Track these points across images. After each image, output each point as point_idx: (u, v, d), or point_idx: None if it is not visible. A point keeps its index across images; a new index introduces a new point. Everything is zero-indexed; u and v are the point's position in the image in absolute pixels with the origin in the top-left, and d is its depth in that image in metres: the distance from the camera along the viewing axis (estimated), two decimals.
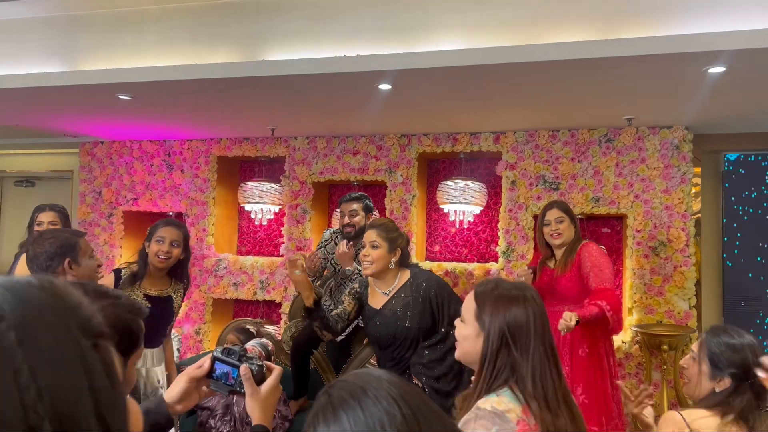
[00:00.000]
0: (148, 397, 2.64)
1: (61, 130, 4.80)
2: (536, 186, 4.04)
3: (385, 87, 3.15)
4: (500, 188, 4.18)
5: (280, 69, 3.03)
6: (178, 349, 3.57)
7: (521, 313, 1.32)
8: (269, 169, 4.75)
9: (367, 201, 3.60)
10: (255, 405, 1.22)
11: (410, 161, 4.29)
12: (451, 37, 2.87)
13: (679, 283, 3.75)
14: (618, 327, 2.90)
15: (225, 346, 1.34)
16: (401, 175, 4.29)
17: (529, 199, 4.04)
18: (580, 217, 3.75)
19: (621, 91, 3.16)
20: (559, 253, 3.15)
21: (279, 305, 4.53)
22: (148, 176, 4.90)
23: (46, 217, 3.16)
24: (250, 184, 4.46)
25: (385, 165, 4.32)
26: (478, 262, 4.30)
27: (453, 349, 1.48)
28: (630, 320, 3.80)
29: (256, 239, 4.94)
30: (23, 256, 3.07)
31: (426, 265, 4.22)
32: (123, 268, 2.77)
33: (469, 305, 1.39)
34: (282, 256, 4.55)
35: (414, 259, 4.20)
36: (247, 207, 4.53)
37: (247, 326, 3.77)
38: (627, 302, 3.86)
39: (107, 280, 2.73)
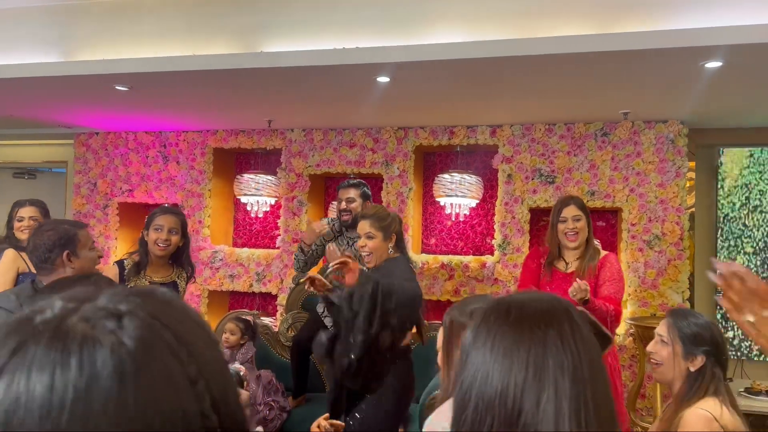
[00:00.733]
0: None
1: (56, 121, 4.77)
2: (532, 179, 4.06)
3: (383, 79, 3.15)
4: (496, 181, 4.20)
5: (278, 60, 3.03)
6: None
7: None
8: (265, 161, 4.75)
9: (365, 188, 3.59)
10: None
11: (407, 154, 4.29)
12: (449, 30, 2.88)
13: (673, 277, 3.78)
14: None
15: None
16: (398, 168, 4.30)
17: (525, 193, 4.06)
18: None
19: (617, 85, 3.17)
20: (569, 255, 2.95)
21: (275, 297, 4.54)
22: (144, 168, 4.89)
23: (26, 212, 3.17)
24: (246, 176, 4.46)
25: (381, 158, 4.33)
26: (473, 254, 4.32)
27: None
28: (624, 313, 3.83)
29: (252, 231, 4.95)
30: (6, 252, 3.06)
31: (422, 257, 4.24)
32: (125, 259, 2.80)
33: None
34: (278, 248, 4.56)
35: (409, 252, 4.21)
36: (243, 199, 4.53)
37: (244, 316, 3.79)
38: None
39: (111, 272, 2.75)
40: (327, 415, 1.81)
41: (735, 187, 4.01)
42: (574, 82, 3.15)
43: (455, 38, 2.85)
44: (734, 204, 4.01)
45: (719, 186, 4.05)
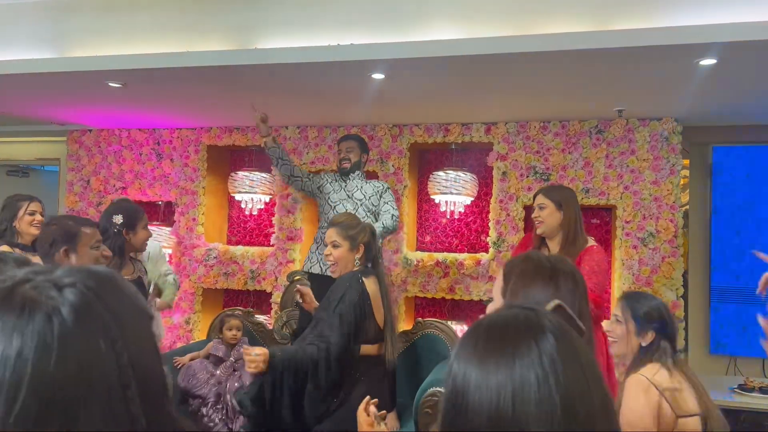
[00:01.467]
0: None
1: (49, 118, 4.74)
2: (527, 177, 4.06)
3: (377, 76, 3.14)
4: (491, 179, 4.20)
5: (272, 57, 3.02)
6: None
7: (542, 291, 1.24)
8: (260, 158, 4.72)
9: (363, 141, 3.85)
10: None
11: (402, 151, 4.29)
12: (444, 27, 2.87)
13: (666, 274, 3.79)
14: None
15: None
16: (393, 166, 4.29)
17: (520, 190, 4.06)
18: None
19: (612, 82, 3.18)
20: (552, 244, 2.97)
21: (270, 295, 4.52)
22: (137, 165, 4.87)
23: (37, 207, 3.17)
24: (240, 173, 4.45)
25: (376, 155, 4.32)
26: (468, 252, 4.32)
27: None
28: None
29: (246, 229, 4.93)
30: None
31: (417, 255, 4.23)
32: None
33: (498, 281, 1.32)
34: (273, 246, 4.54)
35: (404, 250, 4.21)
36: (238, 197, 4.51)
37: (238, 311, 3.80)
38: (615, 292, 3.90)
39: None
40: (375, 400, 1.72)
41: None
42: (568, 80, 3.15)
43: (450, 35, 2.84)
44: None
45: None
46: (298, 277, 4.14)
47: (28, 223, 3.13)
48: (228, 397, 3.19)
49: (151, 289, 3.05)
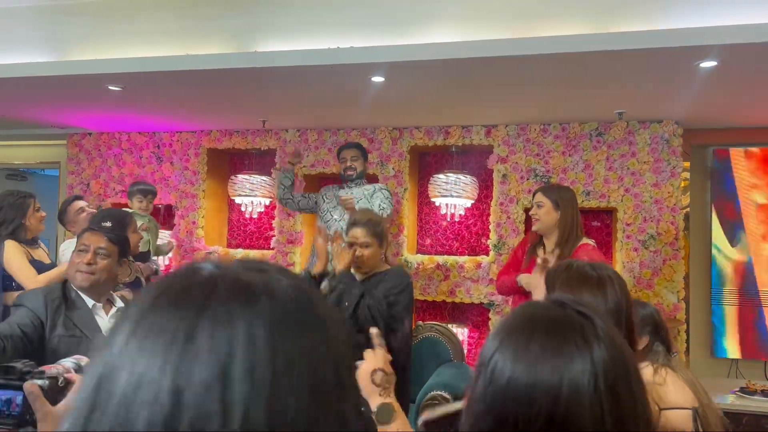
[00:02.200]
0: None
1: (49, 121, 4.74)
2: (527, 179, 4.05)
3: (377, 79, 3.14)
4: (491, 181, 4.19)
5: (272, 60, 3.01)
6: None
7: (590, 298, 1.21)
8: (260, 161, 4.72)
9: (364, 149, 3.92)
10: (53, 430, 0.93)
11: (402, 154, 4.28)
12: (443, 30, 2.87)
13: (668, 276, 3.79)
14: None
15: (2, 364, 1.03)
16: (393, 168, 4.29)
17: (520, 193, 4.05)
18: None
19: (612, 85, 3.17)
20: (548, 243, 3.00)
21: None
22: (138, 168, 4.86)
23: (83, 203, 3.50)
24: (240, 176, 4.44)
25: (376, 158, 4.32)
26: (469, 255, 4.31)
27: None
28: None
29: (246, 232, 4.92)
30: (6, 243, 3.04)
31: (417, 258, 4.23)
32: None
33: (540, 288, 1.31)
34: (273, 249, 4.54)
35: (405, 253, 4.21)
36: (238, 200, 4.51)
37: None
38: None
39: None
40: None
41: None
42: (568, 83, 3.15)
43: (450, 38, 2.84)
44: None
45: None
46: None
47: (38, 220, 3.17)
48: None
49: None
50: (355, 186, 3.79)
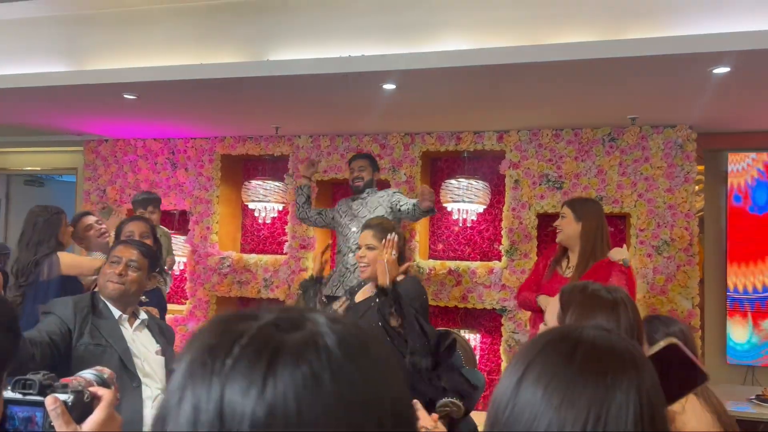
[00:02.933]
0: None
1: (66, 129, 4.81)
2: (539, 185, 4.04)
3: (389, 87, 3.15)
4: (503, 187, 4.19)
5: (284, 69, 3.04)
6: None
7: (605, 321, 1.20)
8: (273, 167, 4.76)
9: (374, 160, 3.94)
10: None
11: (414, 160, 4.29)
12: (455, 38, 2.88)
13: (682, 282, 3.76)
14: None
15: (20, 377, 0.92)
16: (405, 174, 4.30)
17: (533, 198, 4.04)
18: None
19: (625, 91, 3.16)
20: (572, 256, 2.94)
21: (283, 303, 4.54)
22: (153, 174, 4.92)
23: (91, 218, 3.48)
24: (254, 182, 4.48)
25: (388, 164, 4.33)
26: (481, 260, 4.31)
27: None
28: None
29: (259, 237, 4.96)
30: (58, 254, 3.06)
31: (429, 263, 4.23)
32: None
33: (553, 307, 1.29)
34: (286, 254, 4.57)
35: (417, 258, 4.21)
36: (251, 205, 4.54)
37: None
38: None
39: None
40: (435, 416, 1.66)
41: None
42: (581, 89, 3.14)
43: (461, 45, 2.85)
44: None
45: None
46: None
47: (69, 235, 3.21)
48: None
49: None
50: (368, 195, 3.81)
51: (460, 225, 4.31)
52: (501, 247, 4.14)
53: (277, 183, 4.47)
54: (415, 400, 1.41)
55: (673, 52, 2.54)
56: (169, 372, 2.25)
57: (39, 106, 4.02)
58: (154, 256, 2.38)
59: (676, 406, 1.78)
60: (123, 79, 3.29)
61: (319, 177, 4.49)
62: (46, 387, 0.88)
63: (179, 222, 4.93)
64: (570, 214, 2.94)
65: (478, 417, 2.27)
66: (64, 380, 0.96)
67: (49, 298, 2.73)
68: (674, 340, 1.06)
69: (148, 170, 4.93)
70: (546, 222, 4.18)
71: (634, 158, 3.90)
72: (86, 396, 0.91)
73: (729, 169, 3.97)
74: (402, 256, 2.67)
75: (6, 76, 3.50)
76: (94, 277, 2.96)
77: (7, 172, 5.79)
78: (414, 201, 3.59)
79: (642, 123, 3.84)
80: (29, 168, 5.78)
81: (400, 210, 3.66)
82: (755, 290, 3.89)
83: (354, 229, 3.73)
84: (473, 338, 4.14)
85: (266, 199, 4.44)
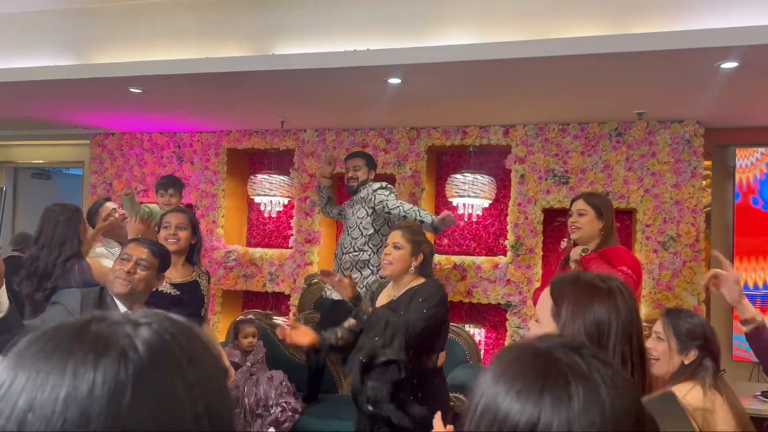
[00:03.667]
0: None
1: (72, 122, 4.83)
2: (545, 180, 4.03)
3: (394, 81, 3.15)
4: (509, 182, 4.17)
5: (289, 63, 3.04)
6: None
7: (603, 310, 1.17)
8: (278, 161, 4.76)
9: (370, 158, 3.89)
10: None
11: (419, 154, 4.29)
12: (460, 32, 2.86)
13: (688, 278, 3.74)
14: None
15: None
16: (410, 168, 4.29)
17: (539, 193, 4.03)
18: None
19: (632, 85, 3.14)
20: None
21: (288, 297, 4.56)
22: (159, 168, 4.93)
23: (112, 204, 3.48)
24: (259, 176, 4.48)
25: (394, 158, 4.33)
26: (486, 255, 4.31)
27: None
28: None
29: (265, 231, 4.97)
30: (90, 262, 3.03)
31: (434, 258, 4.22)
32: None
33: (544, 302, 1.24)
34: (291, 248, 4.57)
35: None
36: (257, 199, 4.55)
37: (248, 317, 3.84)
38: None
39: None
40: (451, 427, 1.64)
41: None
42: (587, 83, 3.12)
43: (466, 40, 2.83)
44: None
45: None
46: (315, 280, 4.16)
47: (86, 232, 3.19)
48: (246, 400, 3.22)
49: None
50: (356, 196, 3.84)
51: (466, 220, 4.30)
52: (506, 242, 4.13)
53: (282, 177, 4.47)
54: (438, 413, 1.40)
55: (681, 47, 2.52)
56: None
57: (45, 99, 4.03)
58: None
59: (707, 403, 1.77)
60: (129, 72, 3.30)
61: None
62: None
63: None
64: (591, 211, 2.87)
65: None
66: None
67: None
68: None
69: (154, 164, 4.95)
70: (551, 217, 4.18)
71: (640, 153, 3.88)
72: None
73: (736, 164, 3.94)
74: (427, 263, 2.66)
75: (12, 69, 3.52)
76: None
77: (15, 165, 5.82)
78: (407, 208, 3.54)
79: (649, 118, 3.82)
80: (36, 161, 5.80)
81: (389, 213, 3.61)
82: (765, 286, 3.86)
83: (345, 233, 3.79)
84: (478, 333, 4.14)
85: (272, 193, 4.44)
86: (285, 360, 3.92)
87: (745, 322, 1.93)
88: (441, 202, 4.46)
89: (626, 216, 4.15)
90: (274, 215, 4.65)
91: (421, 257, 2.61)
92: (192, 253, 2.90)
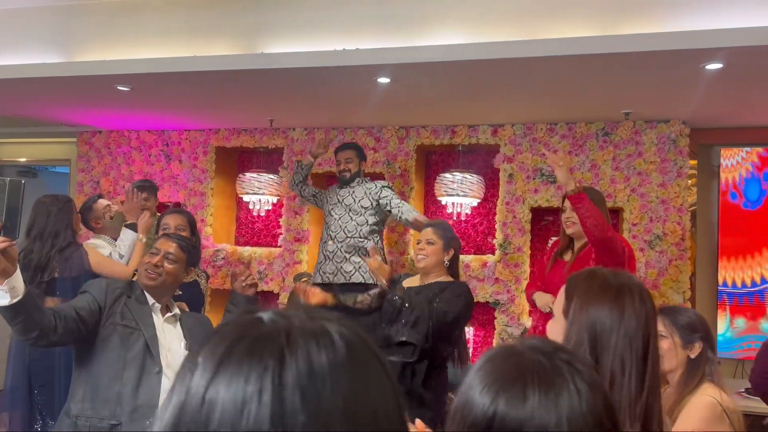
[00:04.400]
0: None
1: (59, 120, 4.79)
2: (533, 179, 4.06)
3: (383, 80, 3.15)
4: (498, 181, 4.20)
5: (278, 62, 3.04)
6: None
7: (606, 313, 1.16)
8: (267, 159, 4.76)
9: (361, 150, 3.93)
10: None
11: (408, 153, 4.30)
12: (450, 32, 2.88)
13: (674, 277, 3.78)
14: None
15: None
16: (399, 167, 4.30)
17: (527, 192, 4.06)
18: None
19: (619, 85, 3.17)
20: (578, 245, 2.97)
21: (277, 296, 4.55)
22: (147, 166, 4.91)
23: (106, 201, 3.43)
24: (248, 174, 4.47)
25: (383, 157, 4.34)
26: (475, 254, 4.33)
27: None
28: None
29: (254, 230, 4.96)
30: (86, 248, 3.07)
31: None
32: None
33: (560, 297, 1.24)
34: (280, 247, 4.57)
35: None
36: (246, 198, 4.54)
37: None
38: None
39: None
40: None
41: None
42: (575, 84, 3.15)
43: (455, 40, 2.85)
44: None
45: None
46: (305, 279, 4.16)
47: (78, 222, 3.20)
48: None
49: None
50: (357, 185, 3.83)
51: (454, 218, 4.32)
52: (495, 241, 4.16)
53: (271, 175, 4.47)
54: (417, 420, 1.44)
55: (666, 48, 2.55)
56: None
57: (32, 97, 4.00)
58: (194, 251, 2.44)
59: (729, 404, 1.80)
60: (116, 70, 3.28)
61: (313, 169, 4.49)
62: None
63: None
64: None
65: None
66: None
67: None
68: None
69: (141, 162, 4.92)
70: (539, 216, 4.21)
71: (627, 153, 3.91)
72: None
73: (721, 164, 3.99)
74: (456, 260, 2.85)
75: None
76: None
77: (0, 162, 5.77)
78: (405, 209, 3.63)
79: (636, 118, 3.86)
80: (22, 159, 5.75)
81: (389, 211, 3.70)
82: (750, 284, 3.92)
83: (335, 215, 3.77)
84: (467, 331, 4.16)
85: (261, 192, 4.43)
86: None
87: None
88: (430, 201, 4.48)
89: (613, 215, 4.19)
90: (263, 214, 4.64)
91: (452, 252, 2.82)
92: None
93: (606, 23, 2.70)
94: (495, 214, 4.22)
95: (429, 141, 4.27)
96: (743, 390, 3.49)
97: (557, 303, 1.25)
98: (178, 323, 2.31)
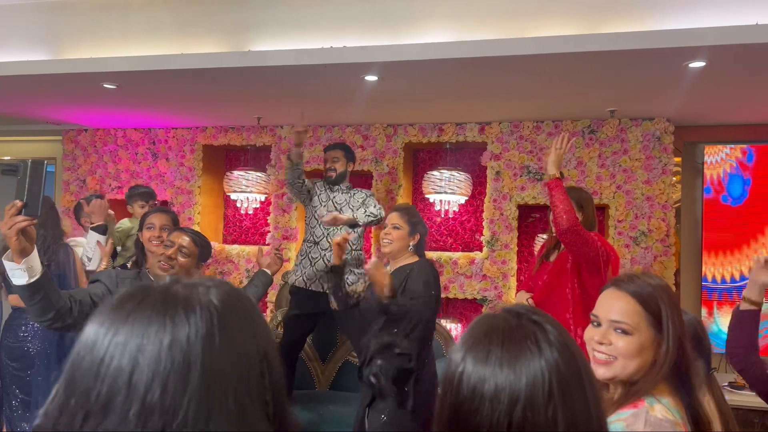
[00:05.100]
0: None
1: (44, 118, 4.75)
2: (520, 176, 4.08)
3: (371, 78, 3.16)
4: (485, 178, 4.22)
5: (266, 60, 3.03)
6: None
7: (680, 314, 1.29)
8: (255, 157, 4.75)
9: (350, 150, 3.90)
10: None
11: (396, 151, 4.31)
12: (437, 30, 2.89)
13: (659, 272, 3.83)
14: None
15: None
16: (387, 165, 4.32)
17: (513, 190, 4.09)
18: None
19: (604, 84, 3.20)
20: (563, 245, 2.93)
21: (266, 294, 4.54)
22: (133, 165, 4.88)
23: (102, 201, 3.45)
24: (236, 172, 4.46)
25: (371, 155, 4.35)
26: (462, 251, 4.35)
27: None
28: None
29: (242, 228, 4.95)
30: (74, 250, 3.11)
31: None
32: (126, 264, 2.92)
33: (629, 310, 1.27)
34: (268, 245, 4.57)
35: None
36: (233, 196, 4.53)
37: None
38: None
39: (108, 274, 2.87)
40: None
41: None
42: (560, 82, 3.17)
43: (442, 38, 2.86)
44: None
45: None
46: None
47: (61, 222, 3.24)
48: None
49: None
50: (340, 192, 3.81)
51: (442, 216, 4.34)
52: (482, 238, 4.18)
53: (259, 173, 4.46)
54: None
55: (650, 46, 2.58)
56: None
57: (16, 95, 3.97)
58: (206, 246, 2.47)
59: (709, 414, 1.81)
60: (102, 68, 3.26)
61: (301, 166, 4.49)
62: None
63: None
64: (572, 204, 2.87)
65: None
66: None
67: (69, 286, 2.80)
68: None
69: (128, 160, 4.90)
70: (526, 213, 4.24)
71: (613, 150, 3.95)
72: None
73: (705, 161, 4.04)
74: (421, 245, 2.81)
75: None
76: None
77: None
78: (377, 208, 3.64)
79: (621, 115, 3.90)
80: (7, 157, 5.69)
81: (365, 212, 3.69)
82: (732, 279, 3.97)
83: (319, 220, 3.73)
84: (454, 328, 4.18)
85: (248, 190, 4.43)
86: None
87: (749, 301, 2.06)
88: (418, 198, 4.50)
89: (599, 212, 4.22)
90: (250, 212, 4.63)
91: (417, 237, 2.76)
92: None
93: (591, 22, 2.73)
94: (482, 211, 4.25)
95: (417, 139, 4.29)
96: (726, 384, 3.54)
97: (629, 316, 1.27)
98: None
